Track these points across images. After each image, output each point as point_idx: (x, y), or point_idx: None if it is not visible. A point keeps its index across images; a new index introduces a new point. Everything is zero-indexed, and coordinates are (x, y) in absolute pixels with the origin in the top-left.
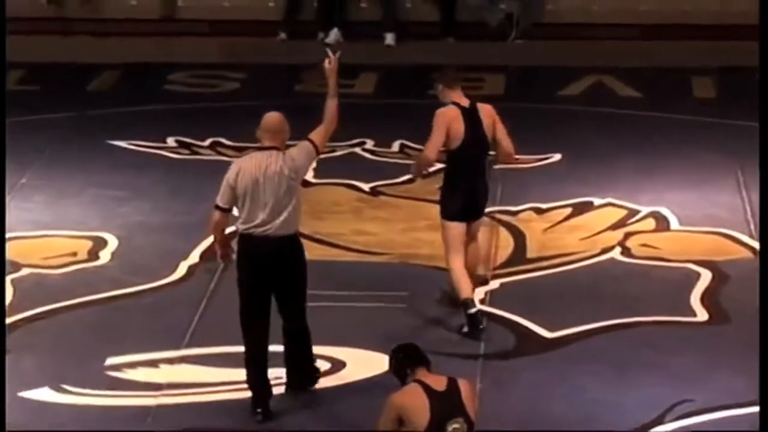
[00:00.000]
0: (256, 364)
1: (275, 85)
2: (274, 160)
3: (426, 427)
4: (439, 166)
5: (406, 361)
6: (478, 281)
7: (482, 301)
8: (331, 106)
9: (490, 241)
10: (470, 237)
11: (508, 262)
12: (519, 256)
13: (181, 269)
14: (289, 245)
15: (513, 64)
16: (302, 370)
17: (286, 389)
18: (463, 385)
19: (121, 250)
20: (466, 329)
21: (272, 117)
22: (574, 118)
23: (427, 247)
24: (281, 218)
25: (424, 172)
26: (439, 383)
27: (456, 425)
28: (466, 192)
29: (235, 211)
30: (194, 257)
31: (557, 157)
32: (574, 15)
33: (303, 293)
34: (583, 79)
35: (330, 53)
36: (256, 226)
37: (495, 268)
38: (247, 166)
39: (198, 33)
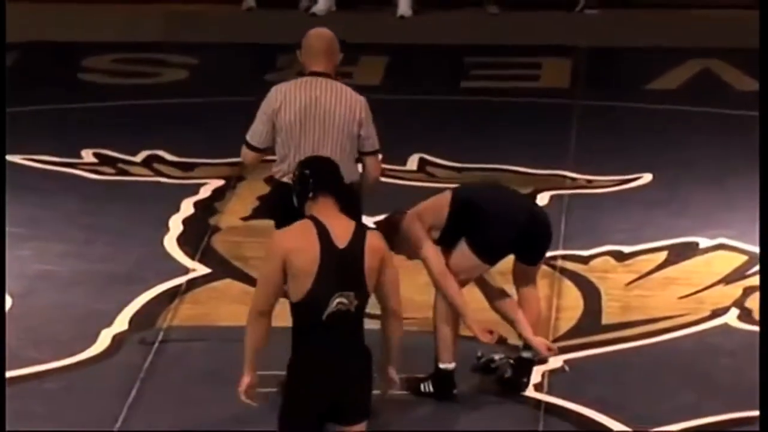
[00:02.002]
0: None
1: (239, 73)
2: (329, 89)
3: (305, 295)
4: None
5: (313, 180)
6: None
7: (538, 387)
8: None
9: (538, 303)
10: (528, 284)
11: (576, 331)
12: (591, 321)
13: (104, 340)
14: None
15: (583, 45)
16: None
17: None
18: (371, 240)
19: (18, 312)
20: (430, 388)
21: (321, 33)
22: (671, 122)
23: None
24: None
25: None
26: (342, 234)
27: (342, 300)
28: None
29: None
30: (122, 323)
31: (646, 178)
32: None
33: None
34: (683, 66)
35: None
36: None
37: (556, 339)
38: (294, 94)
39: None
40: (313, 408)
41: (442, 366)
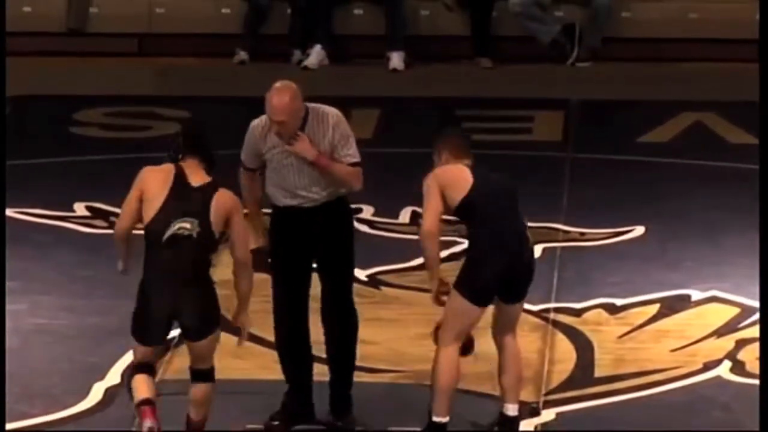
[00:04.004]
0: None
1: (231, 126)
2: None
3: (150, 220)
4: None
5: (183, 144)
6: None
7: None
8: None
9: (520, 362)
10: (507, 332)
11: (569, 384)
12: (584, 374)
13: (96, 394)
14: None
15: (575, 98)
16: None
17: None
18: (220, 195)
19: (11, 367)
20: None
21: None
22: (663, 174)
23: None
24: None
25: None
26: (196, 179)
27: (184, 225)
28: (506, 258)
29: None
30: (114, 376)
31: (639, 230)
32: (663, 27)
33: None
34: (675, 119)
35: None
36: None
37: (549, 392)
38: None
39: (121, 52)
40: (153, 316)
41: (436, 419)
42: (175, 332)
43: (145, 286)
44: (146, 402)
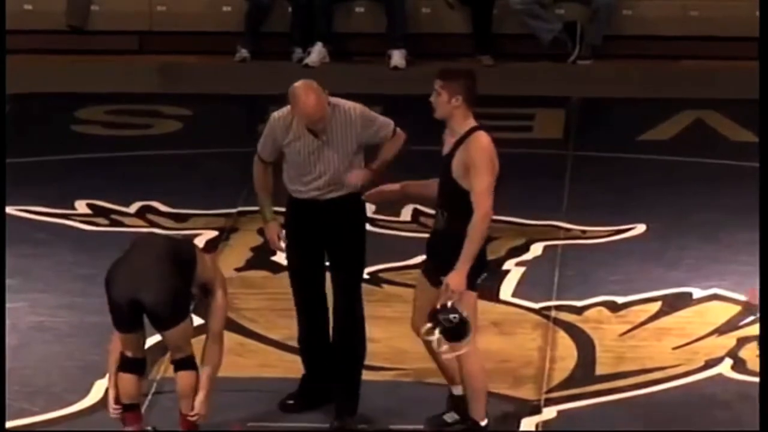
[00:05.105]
0: None
1: (232, 124)
2: None
3: None
4: None
5: None
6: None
7: None
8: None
9: None
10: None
11: (570, 381)
12: (585, 372)
13: (97, 392)
14: None
15: (576, 96)
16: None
17: None
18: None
19: (11, 365)
20: None
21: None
22: (664, 172)
23: None
24: None
25: None
26: None
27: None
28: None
29: None
30: None
31: (640, 228)
32: (664, 25)
33: None
34: (676, 117)
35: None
36: None
37: (550, 390)
38: None
39: (122, 50)
40: (121, 302)
41: (483, 423)
42: None
43: (110, 269)
44: (131, 407)
